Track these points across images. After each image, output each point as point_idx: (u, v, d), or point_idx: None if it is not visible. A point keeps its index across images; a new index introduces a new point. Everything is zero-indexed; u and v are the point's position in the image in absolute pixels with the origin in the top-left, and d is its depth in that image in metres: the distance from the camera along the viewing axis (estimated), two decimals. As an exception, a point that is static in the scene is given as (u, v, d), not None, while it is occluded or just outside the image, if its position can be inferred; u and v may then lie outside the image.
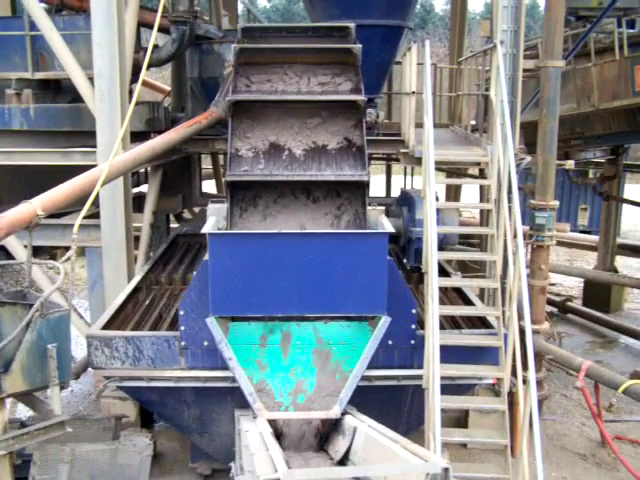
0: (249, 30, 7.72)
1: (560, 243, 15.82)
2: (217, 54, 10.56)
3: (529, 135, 10.63)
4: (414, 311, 6.75)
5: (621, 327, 13.40)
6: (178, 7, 10.01)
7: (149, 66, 8.62)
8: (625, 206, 16.67)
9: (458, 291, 8.46)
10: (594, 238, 16.90)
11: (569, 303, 14.69)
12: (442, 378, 5.92)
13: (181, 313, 6.63)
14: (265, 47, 7.37)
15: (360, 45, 7.12)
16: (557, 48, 8.62)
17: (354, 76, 7.26)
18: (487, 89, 8.91)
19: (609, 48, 11.03)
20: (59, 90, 9.94)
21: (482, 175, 9.47)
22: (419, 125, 7.94)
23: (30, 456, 6.10)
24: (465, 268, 11.03)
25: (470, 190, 16.89)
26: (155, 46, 9.59)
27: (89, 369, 8.27)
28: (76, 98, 9.22)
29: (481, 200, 11.17)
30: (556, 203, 8.92)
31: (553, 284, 16.68)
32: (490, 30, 8.80)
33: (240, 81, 7.24)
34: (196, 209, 13.89)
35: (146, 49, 8.43)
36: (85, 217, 6.41)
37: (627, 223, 24.22)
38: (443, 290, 8.37)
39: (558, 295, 15.63)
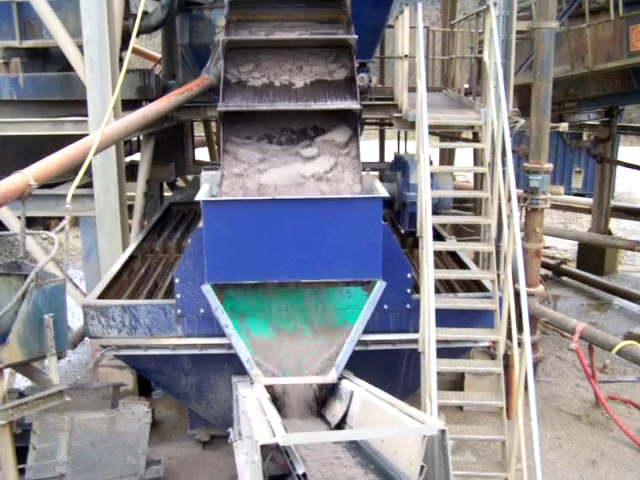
0: (237, 3, 7.35)
1: (554, 206, 15.85)
2: (207, 20, 10.42)
3: (523, 98, 10.54)
4: (409, 275, 6.76)
5: (615, 289, 13.47)
6: (166, -28, 9.86)
7: (139, 33, 8.50)
8: (619, 168, 16.69)
9: (453, 255, 8.48)
10: (588, 201, 16.92)
11: (563, 266, 14.76)
12: (438, 341, 5.97)
13: (176, 281, 6.64)
14: (254, 39, 7.08)
15: (355, 36, 6.89)
16: (551, 9, 8.55)
17: (348, 61, 7.02)
18: (480, 52, 8.84)
19: (604, 8, 10.90)
20: (48, 58, 9.80)
21: (476, 138, 9.43)
22: (412, 89, 7.88)
23: (30, 425, 6.13)
24: (459, 232, 11.04)
25: (464, 154, 16.85)
26: (144, 13, 9.43)
27: (86, 338, 8.30)
28: (66, 66, 9.09)
29: (475, 163, 11.16)
30: (550, 166, 8.89)
31: (547, 247, 16.74)
32: (483, -9, 8.69)
33: (230, 73, 6.95)
34: (189, 177, 13.84)
35: (135, 16, 8.30)
36: (78, 187, 6.36)
37: (621, 185, 24.25)
38: (438, 254, 8.38)
39: (552, 258, 15.70)
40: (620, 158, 16.59)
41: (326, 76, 7.02)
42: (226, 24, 7.17)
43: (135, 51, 13.89)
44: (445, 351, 6.57)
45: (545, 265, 14.17)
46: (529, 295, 7.76)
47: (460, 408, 8.85)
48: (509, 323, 6.24)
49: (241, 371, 6.12)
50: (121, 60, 8.80)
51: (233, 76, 6.99)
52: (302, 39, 7.06)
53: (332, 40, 7.11)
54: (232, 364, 6.53)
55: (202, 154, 16.61)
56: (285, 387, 6.03)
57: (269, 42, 7.07)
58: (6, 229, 8.73)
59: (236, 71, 7.00)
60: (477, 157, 10.90)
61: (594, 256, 15.29)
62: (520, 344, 5.92)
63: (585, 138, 17.22)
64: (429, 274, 6.12)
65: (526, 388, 5.76)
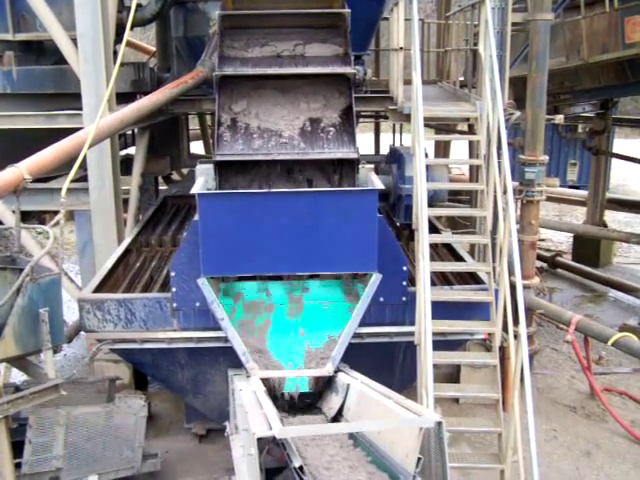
0: (229, 17, 7.15)
1: (549, 198, 15.80)
2: (202, 13, 10.35)
3: (518, 90, 10.54)
4: (405, 268, 6.77)
5: (610, 281, 13.50)
6: (161, -36, 9.80)
7: (133, 26, 8.46)
8: (614, 160, 16.68)
9: (448, 247, 8.49)
10: (583, 193, 16.91)
11: (559, 258, 14.78)
12: (434, 334, 5.96)
13: (172, 274, 6.63)
14: (249, 74, 6.85)
15: (354, 70, 6.81)
16: (546, 1, 8.53)
17: (346, 89, 6.90)
18: (475, 44, 8.82)
19: (599, 0, 10.91)
20: (42, 52, 9.75)
21: (471, 131, 9.43)
22: (407, 82, 7.86)
23: (26, 419, 6.13)
24: (455, 224, 11.05)
25: (459, 146, 16.83)
26: (139, 5, 9.39)
27: (81, 333, 8.28)
28: (60, 60, 9.05)
29: (470, 156, 11.15)
30: (545, 158, 8.91)
31: (543, 239, 16.75)
32: (478, -17, 8.66)
33: (224, 110, 6.78)
34: (184, 170, 13.80)
35: (129, 8, 8.26)
36: (73, 181, 6.33)
37: (616, 177, 24.23)
38: (433, 247, 8.39)
39: (548, 250, 15.72)
40: (615, 150, 16.57)
41: (323, 110, 6.87)
42: (219, 36, 7.07)
43: (129, 44, 13.82)
44: (441, 344, 6.57)
45: (540, 257, 14.18)
46: (525, 287, 7.79)
47: (456, 400, 8.85)
48: (505, 315, 6.24)
49: (237, 364, 6.11)
50: (115, 53, 8.76)
51: (227, 114, 6.82)
52: (299, 73, 6.89)
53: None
54: (228, 357, 6.51)
55: (197, 147, 16.57)
56: (281, 380, 6.02)
57: (265, 76, 6.90)
58: (1, 223, 8.71)
59: (230, 109, 6.86)
60: (472, 149, 10.89)
61: (589, 248, 15.31)
62: (516, 336, 5.92)
63: (580, 130, 17.22)
64: (425, 266, 6.11)
65: (522, 380, 5.77)
